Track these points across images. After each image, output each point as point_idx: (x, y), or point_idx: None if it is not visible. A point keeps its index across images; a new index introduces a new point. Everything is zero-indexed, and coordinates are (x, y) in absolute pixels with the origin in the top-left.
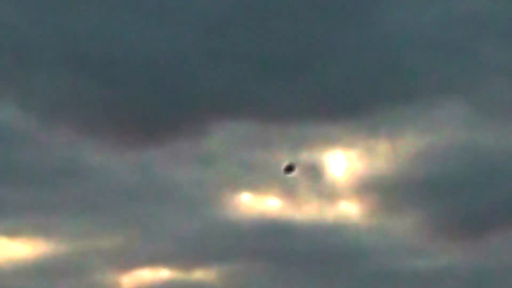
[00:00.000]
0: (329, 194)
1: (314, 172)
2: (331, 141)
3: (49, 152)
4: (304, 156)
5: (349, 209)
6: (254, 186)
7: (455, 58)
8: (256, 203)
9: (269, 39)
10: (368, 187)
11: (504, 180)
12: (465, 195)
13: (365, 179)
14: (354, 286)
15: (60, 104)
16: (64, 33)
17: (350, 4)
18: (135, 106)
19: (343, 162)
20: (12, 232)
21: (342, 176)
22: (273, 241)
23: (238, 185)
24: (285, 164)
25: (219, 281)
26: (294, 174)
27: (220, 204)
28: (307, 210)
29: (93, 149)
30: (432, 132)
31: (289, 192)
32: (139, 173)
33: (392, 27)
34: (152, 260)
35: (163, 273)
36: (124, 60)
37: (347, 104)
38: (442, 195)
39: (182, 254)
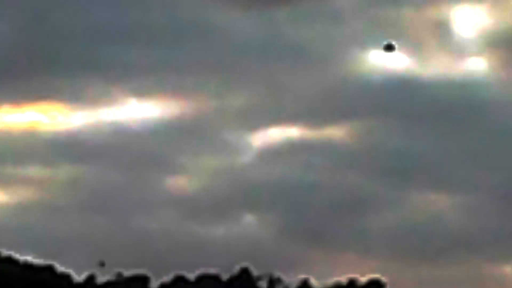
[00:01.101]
0: (457, 50)
1: (442, 28)
2: None
3: (176, 13)
4: (432, 12)
5: (477, 65)
6: (383, 42)
7: None
8: (384, 60)
9: None
10: (496, 43)
11: None
12: None
13: (493, 34)
14: (483, 140)
15: None
16: None
17: None
18: None
19: (471, 17)
20: (141, 93)
21: (470, 32)
22: (402, 98)
23: (367, 42)
24: (385, 43)
25: (349, 138)
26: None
27: (349, 61)
28: (435, 67)
29: (220, 8)
30: None
31: (417, 48)
32: (268, 32)
33: None
34: (282, 119)
35: (293, 131)
36: None
37: None
38: None
39: (312, 112)
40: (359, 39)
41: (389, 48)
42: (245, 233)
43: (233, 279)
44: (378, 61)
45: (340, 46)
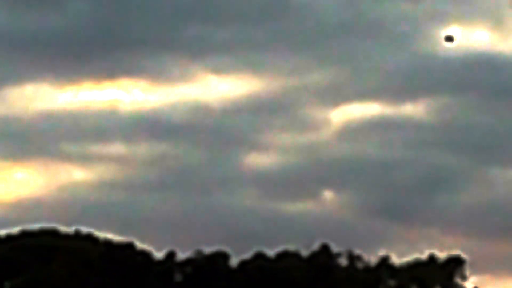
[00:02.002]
0: None
1: None
2: None
3: None
4: None
5: None
6: (463, 19)
7: None
8: (464, 36)
9: None
10: None
11: None
12: None
13: None
14: None
15: None
16: None
17: None
18: None
19: None
20: (221, 70)
21: None
22: (482, 74)
23: (446, 18)
24: (445, 35)
25: (428, 115)
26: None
27: (429, 38)
28: None
29: None
30: None
31: (498, 24)
32: (349, 10)
33: None
34: (362, 95)
35: (373, 108)
36: None
37: None
38: None
39: (391, 88)
40: (438, 15)
41: (449, 39)
42: (324, 210)
43: (313, 256)
44: (457, 37)
45: (420, 24)
